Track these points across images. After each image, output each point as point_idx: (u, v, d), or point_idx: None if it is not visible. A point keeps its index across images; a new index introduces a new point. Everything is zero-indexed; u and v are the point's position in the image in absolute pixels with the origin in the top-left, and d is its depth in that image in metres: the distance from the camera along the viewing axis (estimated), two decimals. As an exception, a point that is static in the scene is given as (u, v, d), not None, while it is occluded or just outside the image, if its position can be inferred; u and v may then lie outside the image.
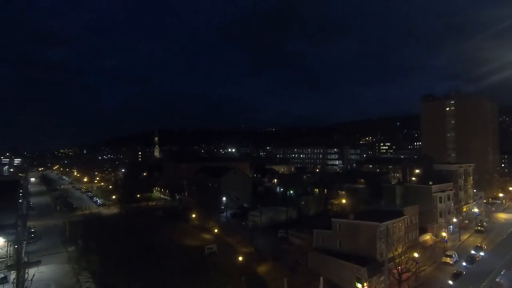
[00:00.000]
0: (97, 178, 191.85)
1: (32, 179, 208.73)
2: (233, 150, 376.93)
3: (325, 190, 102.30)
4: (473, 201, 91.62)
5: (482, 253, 60.52)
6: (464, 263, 55.75)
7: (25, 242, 65.34)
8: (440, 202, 73.56)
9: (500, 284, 49.36)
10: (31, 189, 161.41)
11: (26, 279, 47.62)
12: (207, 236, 73.79)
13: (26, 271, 49.97)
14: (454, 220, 76.34)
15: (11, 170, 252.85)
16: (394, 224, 56.18)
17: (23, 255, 57.84)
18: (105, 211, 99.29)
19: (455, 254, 59.86)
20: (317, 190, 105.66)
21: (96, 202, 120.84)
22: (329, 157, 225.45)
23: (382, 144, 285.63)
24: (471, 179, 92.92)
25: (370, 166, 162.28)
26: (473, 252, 61.78)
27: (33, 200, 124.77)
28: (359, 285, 46.12)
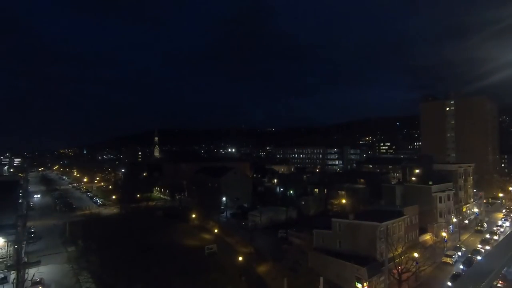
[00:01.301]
0: (97, 178, 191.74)
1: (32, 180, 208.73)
2: (233, 150, 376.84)
3: (325, 190, 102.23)
4: (473, 201, 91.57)
5: (479, 257, 60.22)
6: (461, 266, 55.65)
7: (25, 242, 65.31)
8: (440, 202, 73.54)
9: (503, 275, 49.17)
10: (31, 189, 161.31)
11: (26, 279, 47.64)
12: (207, 236, 73.79)
13: (26, 271, 49.98)
14: (454, 220, 76.33)
15: (11, 170, 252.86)
16: (394, 224, 56.16)
17: (23, 255, 57.84)
18: (105, 211, 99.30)
19: (455, 255, 59.77)
20: (317, 190, 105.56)
21: (96, 202, 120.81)
22: (329, 157, 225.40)
23: (382, 144, 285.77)
24: (471, 179, 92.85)
25: (370, 166, 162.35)
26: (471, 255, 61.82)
27: (33, 200, 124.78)
28: (359, 285, 46.11)
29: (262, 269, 55.69)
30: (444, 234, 67.42)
